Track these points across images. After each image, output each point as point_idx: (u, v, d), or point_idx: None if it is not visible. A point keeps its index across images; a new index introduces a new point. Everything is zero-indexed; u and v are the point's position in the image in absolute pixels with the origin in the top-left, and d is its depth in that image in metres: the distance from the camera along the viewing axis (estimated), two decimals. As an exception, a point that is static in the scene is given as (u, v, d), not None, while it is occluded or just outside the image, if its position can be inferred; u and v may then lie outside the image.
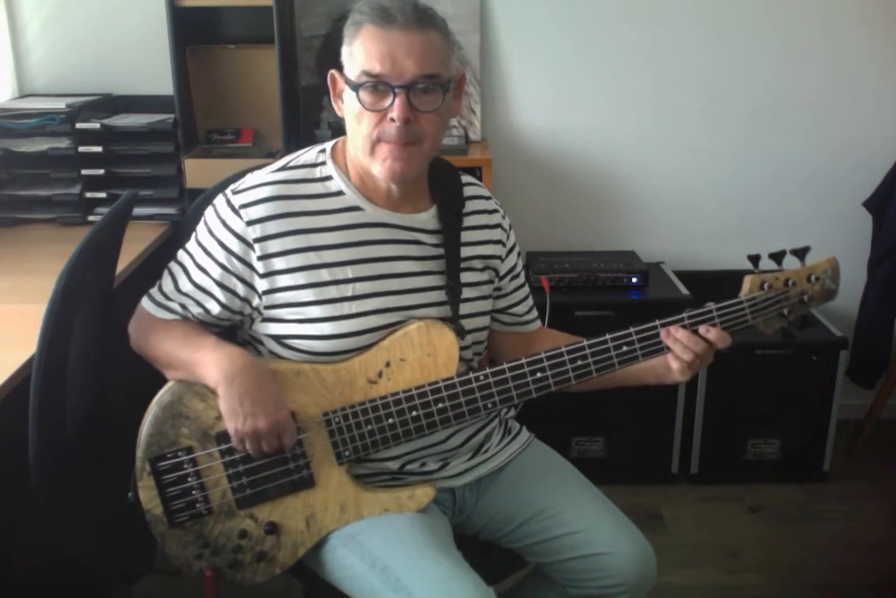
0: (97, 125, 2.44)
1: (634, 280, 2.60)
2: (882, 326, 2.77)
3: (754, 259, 1.41)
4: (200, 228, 1.44)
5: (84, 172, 2.47)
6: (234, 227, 1.39)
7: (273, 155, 2.52)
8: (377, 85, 1.32)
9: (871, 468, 2.76)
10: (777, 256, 1.41)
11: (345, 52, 1.37)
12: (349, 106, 1.37)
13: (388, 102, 1.33)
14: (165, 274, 1.47)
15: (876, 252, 2.73)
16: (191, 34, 2.54)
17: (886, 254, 2.67)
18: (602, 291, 2.59)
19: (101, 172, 2.47)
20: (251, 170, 1.48)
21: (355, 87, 1.34)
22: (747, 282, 1.42)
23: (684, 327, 1.39)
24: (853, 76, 2.75)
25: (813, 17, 2.71)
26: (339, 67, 1.39)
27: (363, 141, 1.36)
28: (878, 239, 2.72)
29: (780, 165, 2.83)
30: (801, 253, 1.43)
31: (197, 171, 2.45)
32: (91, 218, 2.46)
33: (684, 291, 2.60)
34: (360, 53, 1.33)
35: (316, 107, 2.71)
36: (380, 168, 1.37)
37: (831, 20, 2.71)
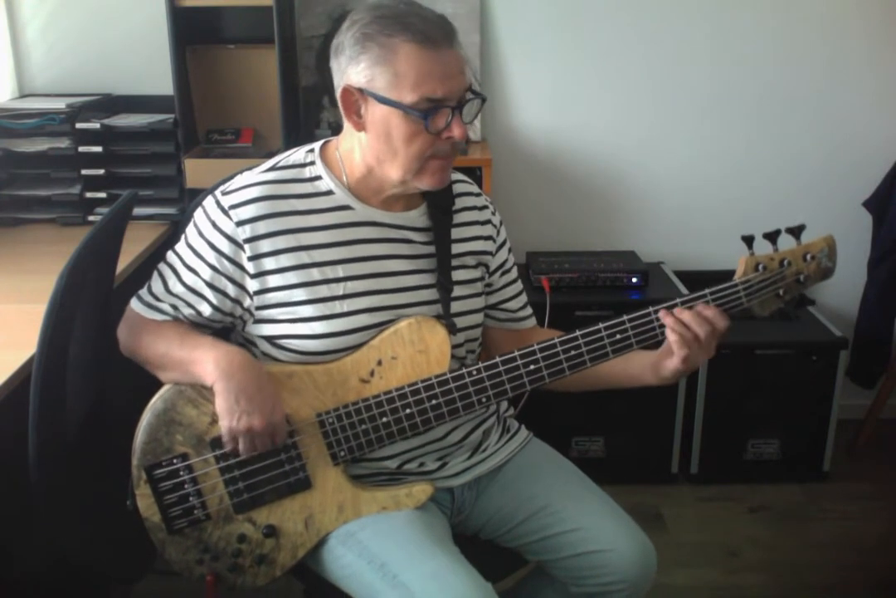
0: (97, 125, 2.45)
1: (634, 280, 2.60)
2: (882, 326, 2.77)
3: (748, 240, 1.39)
4: (190, 229, 1.44)
5: (84, 172, 2.47)
6: (224, 227, 1.39)
7: (273, 155, 2.51)
8: (439, 108, 1.32)
9: (871, 468, 2.76)
10: (772, 236, 1.39)
11: (370, 70, 1.32)
12: (393, 128, 1.34)
13: (444, 122, 1.34)
14: (155, 276, 1.47)
15: (876, 252, 2.73)
16: (191, 34, 2.54)
17: (886, 254, 2.67)
18: (602, 291, 2.60)
19: (101, 172, 2.47)
20: (240, 171, 1.48)
21: (421, 114, 1.32)
22: (742, 264, 1.40)
23: None
24: (853, 76, 2.75)
25: (813, 17, 2.71)
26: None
27: (413, 161, 1.36)
28: (878, 239, 2.72)
29: (780, 165, 2.84)
30: (796, 232, 1.40)
31: (197, 171, 2.45)
32: (91, 218, 2.46)
33: (684, 291, 2.60)
34: (411, 77, 1.30)
35: (316, 107, 2.71)
36: (429, 181, 1.38)
37: (831, 21, 2.71)
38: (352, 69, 1.34)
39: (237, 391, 1.34)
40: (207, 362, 1.37)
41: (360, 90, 1.34)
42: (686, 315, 1.37)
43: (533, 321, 1.66)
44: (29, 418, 1.38)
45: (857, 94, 2.77)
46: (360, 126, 1.37)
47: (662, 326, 1.39)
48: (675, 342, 1.37)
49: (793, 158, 2.83)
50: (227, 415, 1.35)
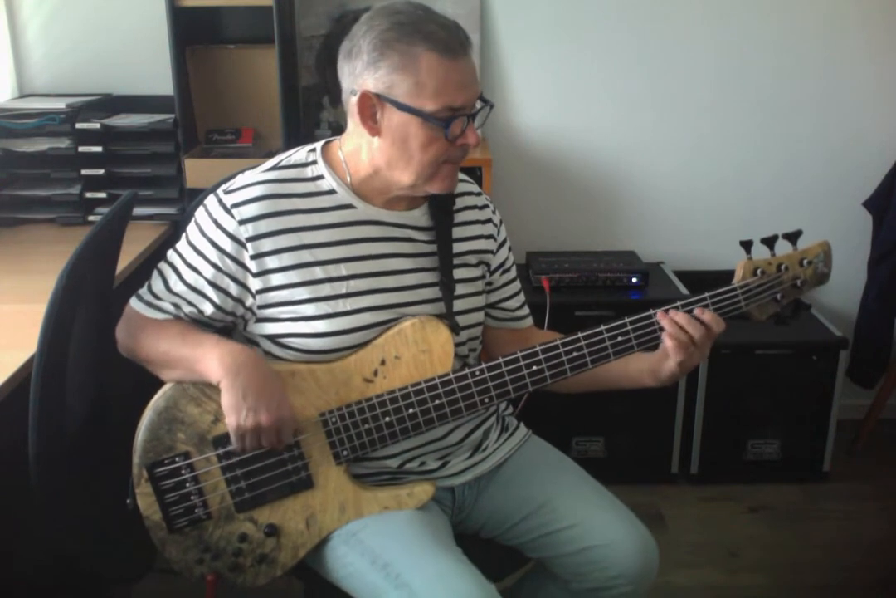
0: (97, 125, 2.45)
1: (634, 280, 2.60)
2: (882, 326, 2.77)
3: (746, 245, 1.41)
4: (191, 228, 1.44)
5: (84, 172, 2.47)
6: (227, 226, 1.39)
7: (273, 155, 2.51)
8: (457, 116, 1.34)
9: (871, 468, 2.76)
10: (769, 241, 1.41)
11: (390, 77, 1.32)
12: (411, 135, 1.34)
13: (460, 129, 1.35)
14: (155, 275, 1.47)
15: (876, 252, 2.73)
16: (191, 34, 2.54)
17: (886, 254, 2.67)
18: (602, 291, 2.60)
19: (101, 172, 2.47)
20: (241, 171, 1.48)
21: (441, 122, 1.33)
22: (740, 268, 1.42)
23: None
24: (853, 77, 2.76)
25: (813, 18, 2.71)
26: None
27: (427, 167, 1.37)
28: (878, 239, 2.72)
29: (779, 165, 2.84)
30: (793, 237, 1.42)
31: (197, 171, 2.45)
32: (91, 218, 2.46)
33: (684, 291, 2.60)
34: (432, 86, 1.31)
35: (316, 107, 2.71)
36: (439, 186, 1.40)
37: (831, 21, 2.71)
38: (369, 75, 1.34)
39: (243, 388, 1.34)
40: (212, 359, 1.36)
41: (378, 96, 1.34)
42: (681, 317, 1.38)
43: (530, 321, 1.66)
44: (29, 418, 1.37)
45: (857, 94, 2.77)
46: (374, 131, 1.37)
47: (663, 328, 1.40)
48: (672, 347, 1.39)
49: (793, 158, 2.83)
50: (235, 412, 1.34)
